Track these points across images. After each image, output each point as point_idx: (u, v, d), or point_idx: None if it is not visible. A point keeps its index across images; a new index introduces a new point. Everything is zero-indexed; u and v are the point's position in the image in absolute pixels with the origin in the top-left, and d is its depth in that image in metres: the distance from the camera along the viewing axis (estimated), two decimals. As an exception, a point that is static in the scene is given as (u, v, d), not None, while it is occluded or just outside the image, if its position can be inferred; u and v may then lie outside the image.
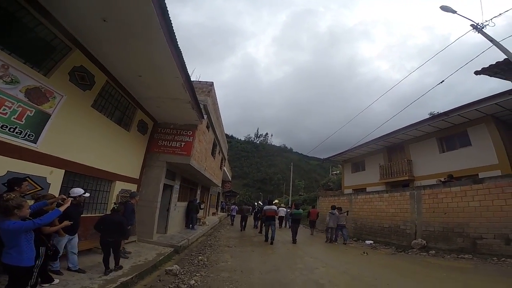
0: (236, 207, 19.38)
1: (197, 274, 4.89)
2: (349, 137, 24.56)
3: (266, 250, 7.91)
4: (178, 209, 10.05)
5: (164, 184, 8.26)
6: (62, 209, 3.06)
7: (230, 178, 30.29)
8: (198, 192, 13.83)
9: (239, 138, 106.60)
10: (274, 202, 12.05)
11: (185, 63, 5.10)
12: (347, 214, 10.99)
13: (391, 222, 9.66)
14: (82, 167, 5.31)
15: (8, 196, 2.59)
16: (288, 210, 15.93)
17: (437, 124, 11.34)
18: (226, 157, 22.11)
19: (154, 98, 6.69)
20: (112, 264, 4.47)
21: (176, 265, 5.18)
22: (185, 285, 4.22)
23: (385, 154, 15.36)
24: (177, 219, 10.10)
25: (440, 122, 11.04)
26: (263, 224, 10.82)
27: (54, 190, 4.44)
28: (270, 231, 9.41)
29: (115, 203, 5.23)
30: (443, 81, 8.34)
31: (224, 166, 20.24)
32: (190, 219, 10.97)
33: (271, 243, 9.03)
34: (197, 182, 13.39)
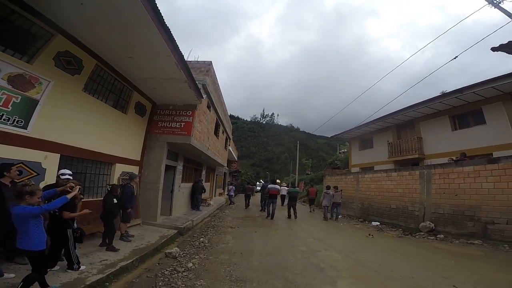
0: (234, 187, 19.16)
1: (196, 257, 4.88)
2: (359, 116, 23.96)
3: (269, 231, 7.91)
4: (182, 190, 10.08)
5: (166, 165, 8.20)
6: (69, 196, 3.13)
7: (236, 158, 30.34)
8: (203, 172, 13.86)
9: (245, 119, 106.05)
10: (277, 182, 13.21)
11: (176, 41, 4.78)
12: (341, 193, 11.46)
13: (399, 202, 9.44)
14: (78, 151, 5.22)
15: (27, 182, 2.74)
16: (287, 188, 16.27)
17: (449, 102, 10.83)
18: (231, 137, 21.92)
19: (148, 79, 6.41)
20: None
21: (176, 248, 5.20)
22: (183, 268, 4.20)
23: (394, 132, 14.81)
24: (182, 200, 10.17)
25: (452, 99, 10.50)
26: (266, 202, 11.63)
27: (51, 175, 4.40)
28: (271, 208, 10.48)
29: (108, 185, 5.33)
30: (456, 57, 8.32)
31: (229, 146, 20.12)
32: (195, 200, 11.06)
33: (272, 218, 10.30)
34: (201, 162, 13.37)
